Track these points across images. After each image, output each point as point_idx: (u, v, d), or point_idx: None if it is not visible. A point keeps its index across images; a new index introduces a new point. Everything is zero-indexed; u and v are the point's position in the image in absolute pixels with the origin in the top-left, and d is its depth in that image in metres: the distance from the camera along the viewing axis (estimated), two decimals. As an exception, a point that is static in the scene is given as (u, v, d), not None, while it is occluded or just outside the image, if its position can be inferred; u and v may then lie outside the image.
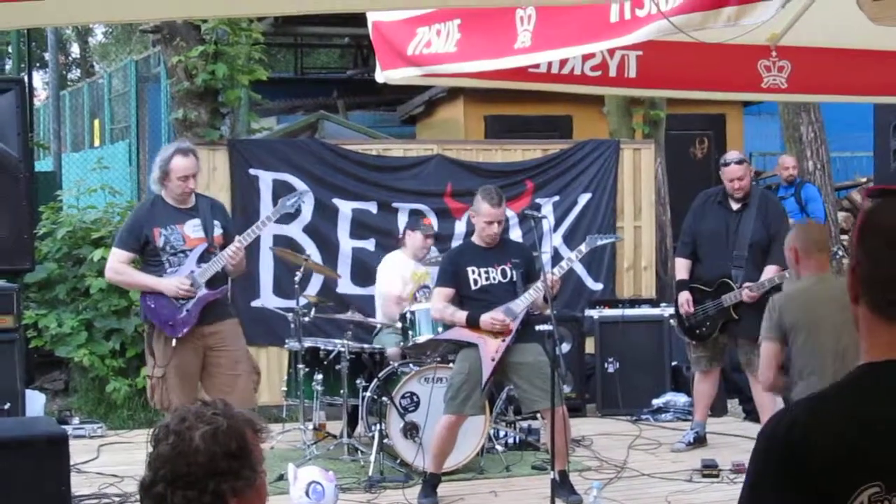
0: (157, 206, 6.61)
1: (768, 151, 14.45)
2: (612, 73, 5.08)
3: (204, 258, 6.49)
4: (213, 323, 6.51)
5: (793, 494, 1.77)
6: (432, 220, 8.80)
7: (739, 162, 7.62)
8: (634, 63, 5.04)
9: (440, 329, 7.06)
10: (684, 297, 7.65)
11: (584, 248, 6.91)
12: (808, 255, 5.19)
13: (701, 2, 3.22)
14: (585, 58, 4.94)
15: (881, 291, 1.85)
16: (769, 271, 7.31)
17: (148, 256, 6.59)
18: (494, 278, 6.60)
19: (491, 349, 6.47)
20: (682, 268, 7.81)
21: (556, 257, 9.39)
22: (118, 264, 6.61)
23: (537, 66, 4.79)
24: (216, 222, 6.60)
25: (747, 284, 7.28)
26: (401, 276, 8.08)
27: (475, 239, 6.77)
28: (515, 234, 9.33)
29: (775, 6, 3.03)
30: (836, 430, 1.77)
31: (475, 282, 6.59)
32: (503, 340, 6.48)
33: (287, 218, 8.72)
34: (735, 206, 7.58)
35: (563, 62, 4.91)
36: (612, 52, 4.90)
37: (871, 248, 1.87)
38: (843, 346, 4.86)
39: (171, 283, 6.40)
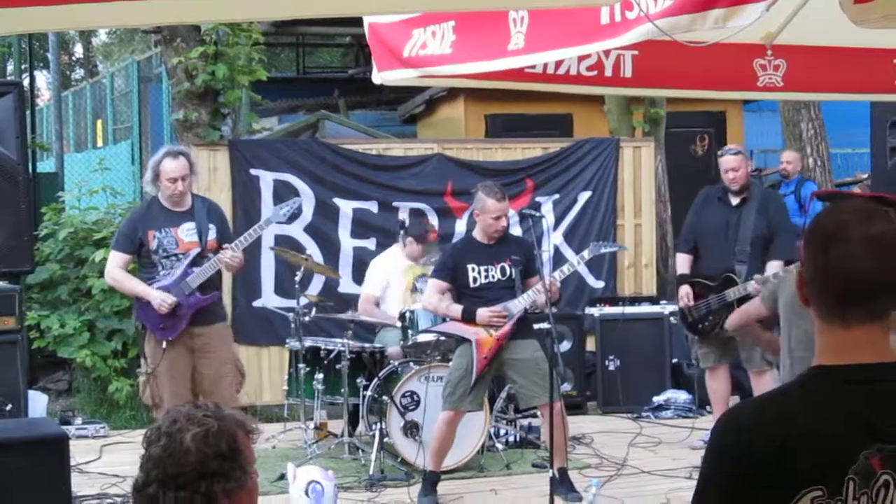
0: (152, 209, 6.67)
1: (769, 148, 14.41)
2: (608, 72, 5.09)
3: (197, 262, 6.56)
4: (203, 325, 6.61)
5: (740, 496, 1.80)
6: (435, 226, 8.71)
7: (735, 153, 7.64)
8: (630, 63, 5.05)
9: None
10: (684, 290, 7.64)
11: (586, 254, 6.91)
12: None
13: (689, 4, 3.24)
14: (581, 58, 4.94)
15: (822, 294, 1.89)
16: (773, 266, 7.28)
17: (143, 258, 6.67)
18: (493, 276, 6.60)
19: (484, 347, 6.49)
20: (682, 263, 7.82)
21: (557, 256, 9.42)
22: (115, 269, 6.71)
23: (533, 66, 4.81)
24: (211, 226, 6.65)
25: (756, 277, 7.23)
26: (385, 278, 8.14)
27: (476, 234, 6.76)
28: (515, 233, 9.33)
29: (760, 9, 3.06)
30: (780, 434, 1.80)
31: (474, 279, 6.60)
32: (497, 339, 6.50)
33: (288, 218, 8.74)
34: (734, 200, 7.59)
35: (558, 62, 4.92)
36: (607, 52, 4.90)
37: (813, 250, 1.90)
38: None
39: (156, 296, 6.47)
